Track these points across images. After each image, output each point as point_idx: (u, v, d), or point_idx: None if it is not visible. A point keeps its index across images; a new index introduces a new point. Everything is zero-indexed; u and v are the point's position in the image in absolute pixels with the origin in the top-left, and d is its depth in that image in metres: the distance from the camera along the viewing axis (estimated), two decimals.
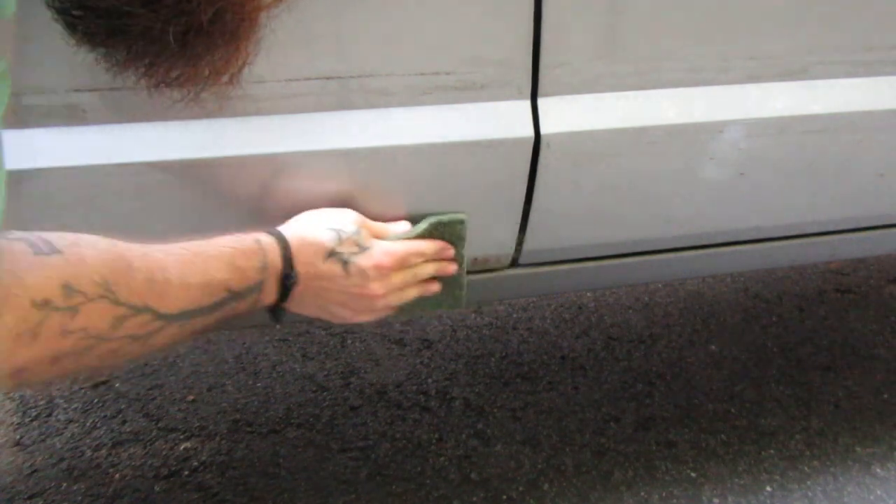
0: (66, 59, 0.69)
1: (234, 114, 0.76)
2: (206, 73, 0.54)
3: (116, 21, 0.49)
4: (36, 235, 0.55)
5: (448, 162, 0.82)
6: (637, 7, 0.82)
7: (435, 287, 0.87)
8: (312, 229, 0.77)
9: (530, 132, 0.83)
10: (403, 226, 0.85)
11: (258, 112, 0.76)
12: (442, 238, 0.85)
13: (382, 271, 0.80)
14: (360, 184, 0.82)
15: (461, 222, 0.86)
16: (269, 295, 0.73)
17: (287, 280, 0.74)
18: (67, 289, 0.54)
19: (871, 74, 0.94)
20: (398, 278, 0.82)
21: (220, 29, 0.50)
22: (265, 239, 0.73)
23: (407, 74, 0.78)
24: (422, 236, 0.84)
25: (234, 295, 0.68)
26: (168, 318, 0.62)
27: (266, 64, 0.75)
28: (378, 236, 0.81)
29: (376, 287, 0.79)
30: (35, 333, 0.52)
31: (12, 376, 0.53)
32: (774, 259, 1.16)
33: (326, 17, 0.74)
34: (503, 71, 0.81)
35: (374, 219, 0.83)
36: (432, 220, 0.85)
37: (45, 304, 0.52)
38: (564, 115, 0.84)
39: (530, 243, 0.92)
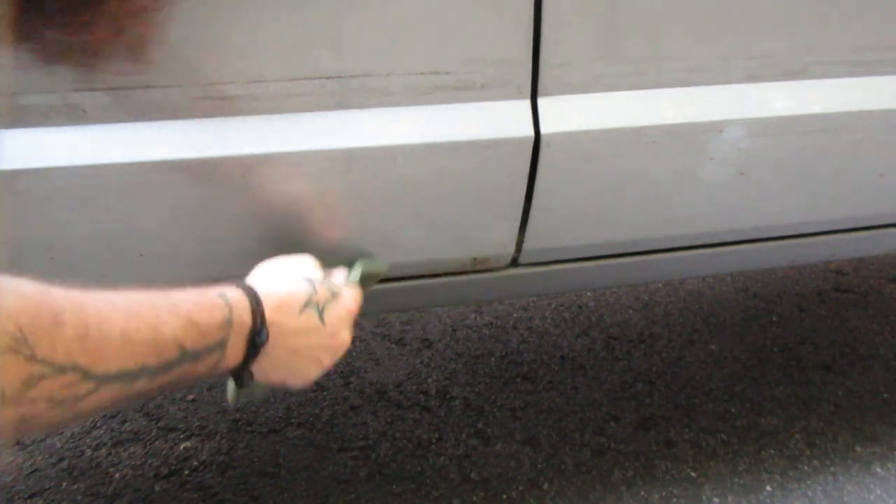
0: (65, 59, 0.69)
1: (234, 113, 0.76)
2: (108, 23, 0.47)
3: None
4: None
5: (448, 162, 0.82)
6: (637, 7, 0.82)
7: None
8: (283, 281, 0.71)
9: (530, 132, 0.83)
10: (341, 272, 0.82)
11: (258, 112, 0.76)
12: (366, 285, 0.83)
13: (353, 316, 0.76)
14: (359, 184, 0.82)
15: (381, 273, 0.85)
16: (234, 356, 0.64)
17: (257, 337, 0.65)
18: None
19: (871, 74, 0.94)
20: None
21: None
22: (232, 293, 0.65)
23: (407, 74, 0.78)
24: (358, 282, 0.82)
25: (188, 355, 0.59)
26: (101, 379, 0.53)
27: (266, 63, 0.75)
28: None
29: (347, 335, 0.75)
30: None
31: None
32: (774, 259, 1.16)
33: (326, 17, 0.74)
34: (503, 71, 0.81)
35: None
36: (362, 267, 0.83)
37: None
38: (564, 114, 0.84)
39: (530, 243, 0.92)
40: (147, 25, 0.49)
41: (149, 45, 0.50)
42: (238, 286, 0.67)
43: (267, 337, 0.66)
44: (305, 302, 0.70)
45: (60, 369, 0.49)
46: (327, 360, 0.74)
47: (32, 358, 0.47)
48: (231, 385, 0.74)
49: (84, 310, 0.52)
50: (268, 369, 0.69)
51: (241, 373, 0.67)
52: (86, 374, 0.51)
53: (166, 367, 0.58)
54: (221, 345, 0.62)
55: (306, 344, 0.71)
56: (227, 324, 0.63)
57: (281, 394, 1.52)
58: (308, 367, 0.73)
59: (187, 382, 0.62)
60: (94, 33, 0.46)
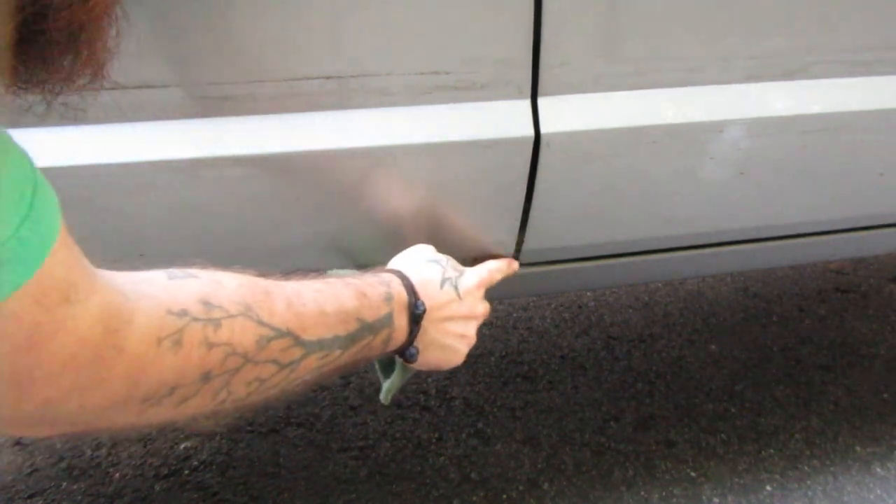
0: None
1: (234, 113, 0.76)
2: (60, 75, 0.50)
3: None
4: (173, 268, 0.55)
5: (448, 162, 0.82)
6: (637, 7, 0.81)
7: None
8: (416, 265, 0.78)
9: (530, 132, 0.83)
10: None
11: (258, 111, 0.76)
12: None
13: (482, 289, 0.82)
14: (360, 184, 0.82)
15: None
16: (401, 330, 0.72)
17: (416, 309, 0.73)
18: (206, 304, 0.53)
19: (871, 74, 0.94)
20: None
21: (55, 29, 0.44)
22: (384, 275, 0.73)
23: (407, 74, 0.78)
24: None
25: (367, 327, 0.67)
26: (308, 346, 0.60)
27: (266, 63, 0.75)
28: None
29: (482, 306, 0.82)
30: (177, 341, 0.50)
31: (170, 394, 0.51)
32: (774, 259, 1.16)
33: (326, 17, 0.74)
34: (503, 70, 0.81)
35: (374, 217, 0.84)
36: None
37: (182, 314, 0.51)
38: (564, 114, 0.84)
39: (530, 243, 0.92)
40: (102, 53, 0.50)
41: (106, 68, 0.51)
42: (386, 269, 0.75)
43: (424, 309, 0.73)
44: (441, 279, 0.78)
45: (280, 333, 0.57)
46: (472, 333, 0.81)
47: (260, 322, 0.56)
48: (385, 384, 0.83)
49: (283, 287, 0.61)
50: (426, 347, 0.76)
51: (408, 349, 0.74)
52: (297, 340, 0.59)
53: (352, 338, 0.65)
54: (389, 319, 0.70)
55: (451, 316, 0.78)
56: (389, 298, 0.70)
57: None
58: (457, 341, 0.79)
59: (366, 360, 0.70)
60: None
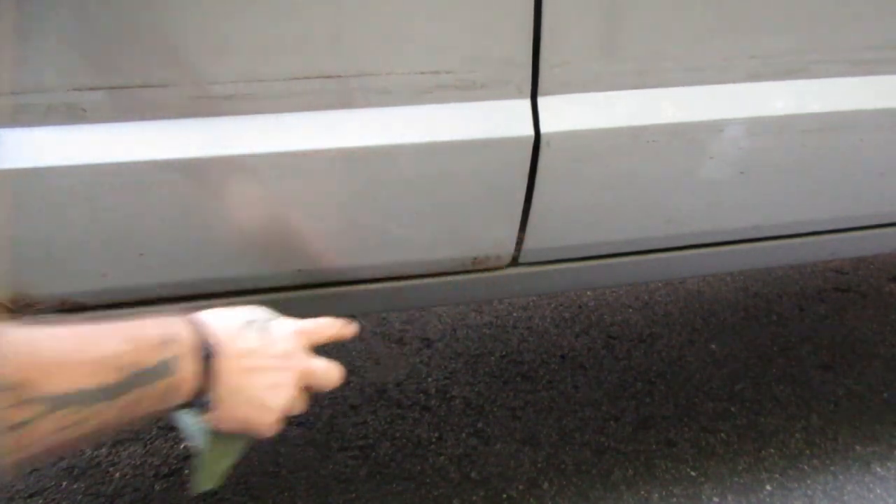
0: (65, 58, 0.69)
1: (234, 113, 0.76)
2: None
3: None
4: None
5: (448, 162, 0.82)
6: (637, 6, 0.82)
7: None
8: (216, 311, 0.66)
9: (530, 131, 0.83)
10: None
11: (258, 111, 0.76)
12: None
13: (302, 339, 0.71)
14: (359, 183, 0.82)
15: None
16: (187, 376, 0.59)
17: (206, 352, 0.61)
18: None
19: (872, 73, 0.94)
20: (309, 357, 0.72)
21: None
22: (168, 316, 0.62)
23: (407, 73, 0.78)
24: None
25: (141, 375, 0.56)
26: (51, 402, 0.50)
27: (266, 63, 0.75)
28: None
29: (300, 360, 0.70)
30: None
31: None
32: (775, 258, 1.16)
33: (326, 17, 0.74)
34: (503, 70, 0.81)
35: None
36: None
37: None
38: (564, 113, 0.84)
39: (530, 242, 0.92)
40: None
41: None
42: (177, 315, 0.63)
43: (213, 351, 0.61)
44: (244, 321, 0.66)
45: (3, 386, 0.47)
46: (286, 384, 0.68)
47: None
48: (196, 467, 0.71)
49: (30, 331, 0.51)
50: (229, 395, 0.63)
51: (200, 398, 0.62)
52: (27, 395, 0.49)
53: (121, 388, 0.55)
54: (172, 363, 0.59)
55: (256, 367, 0.65)
56: (170, 342, 0.59)
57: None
58: (267, 393, 0.66)
59: (149, 414, 0.59)
60: None
